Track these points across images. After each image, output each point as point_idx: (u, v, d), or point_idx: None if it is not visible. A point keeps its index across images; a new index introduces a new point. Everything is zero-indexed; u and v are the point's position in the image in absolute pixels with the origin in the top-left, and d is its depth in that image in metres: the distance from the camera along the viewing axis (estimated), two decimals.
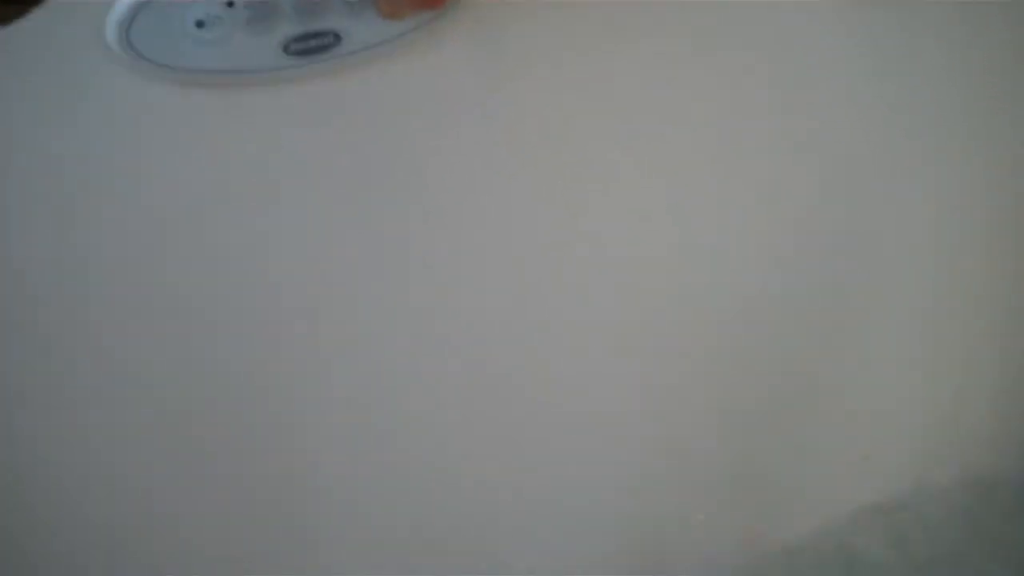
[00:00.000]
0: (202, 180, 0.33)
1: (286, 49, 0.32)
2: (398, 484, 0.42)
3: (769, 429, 0.47)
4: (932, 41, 0.41)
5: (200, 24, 0.31)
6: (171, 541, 0.39)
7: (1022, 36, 0.42)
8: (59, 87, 0.31)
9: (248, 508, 0.40)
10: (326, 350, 0.38)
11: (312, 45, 0.33)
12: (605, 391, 0.43)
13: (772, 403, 0.47)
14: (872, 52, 0.40)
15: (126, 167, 0.32)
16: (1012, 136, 0.44)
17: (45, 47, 0.31)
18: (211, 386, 0.37)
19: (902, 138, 0.42)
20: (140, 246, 0.34)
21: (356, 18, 0.33)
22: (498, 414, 0.42)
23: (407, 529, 0.43)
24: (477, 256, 0.38)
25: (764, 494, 0.49)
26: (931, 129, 0.43)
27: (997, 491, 0.54)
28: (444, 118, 0.35)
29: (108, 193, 0.33)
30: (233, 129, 0.33)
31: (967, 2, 0.40)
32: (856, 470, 0.50)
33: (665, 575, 0.48)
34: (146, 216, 0.34)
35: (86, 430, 0.36)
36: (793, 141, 0.41)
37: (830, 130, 0.41)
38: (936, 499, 0.53)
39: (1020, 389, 0.52)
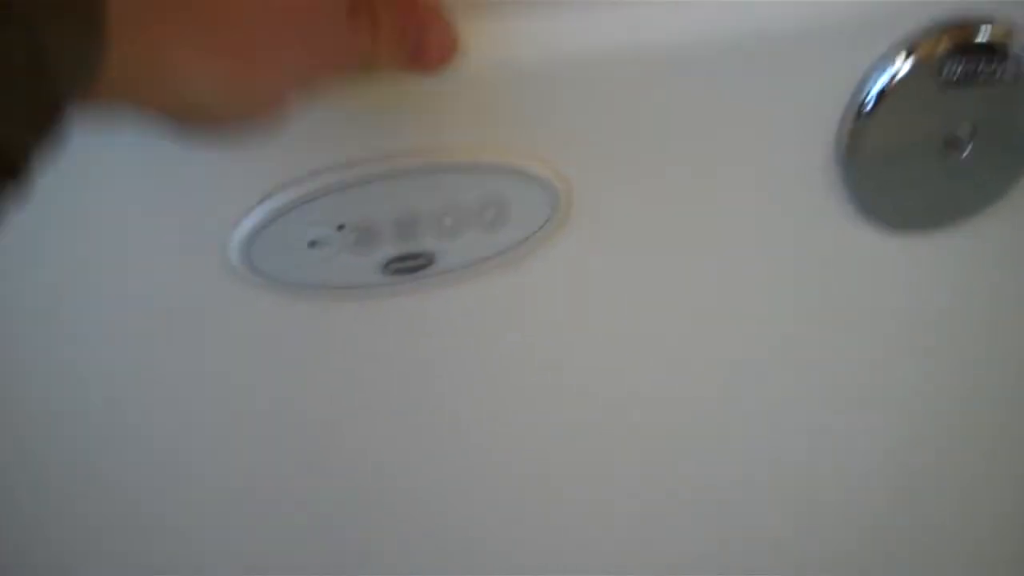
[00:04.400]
0: (300, 382, 0.37)
1: (385, 268, 0.36)
2: None
3: None
4: None
5: (313, 244, 0.35)
6: None
7: None
8: (182, 295, 0.35)
9: None
10: None
11: (408, 265, 0.36)
12: None
13: None
14: None
15: (231, 367, 0.36)
16: None
17: (174, 254, 0.35)
18: None
19: None
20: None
21: (452, 239, 0.36)
22: None
23: None
24: None
25: None
26: None
27: None
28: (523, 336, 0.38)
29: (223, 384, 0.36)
30: (327, 339, 0.36)
31: None
32: None
33: None
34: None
35: None
36: None
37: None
38: None
39: None
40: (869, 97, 0.38)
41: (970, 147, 0.39)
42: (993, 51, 0.38)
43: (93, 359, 0.37)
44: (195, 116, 0.26)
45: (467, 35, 0.31)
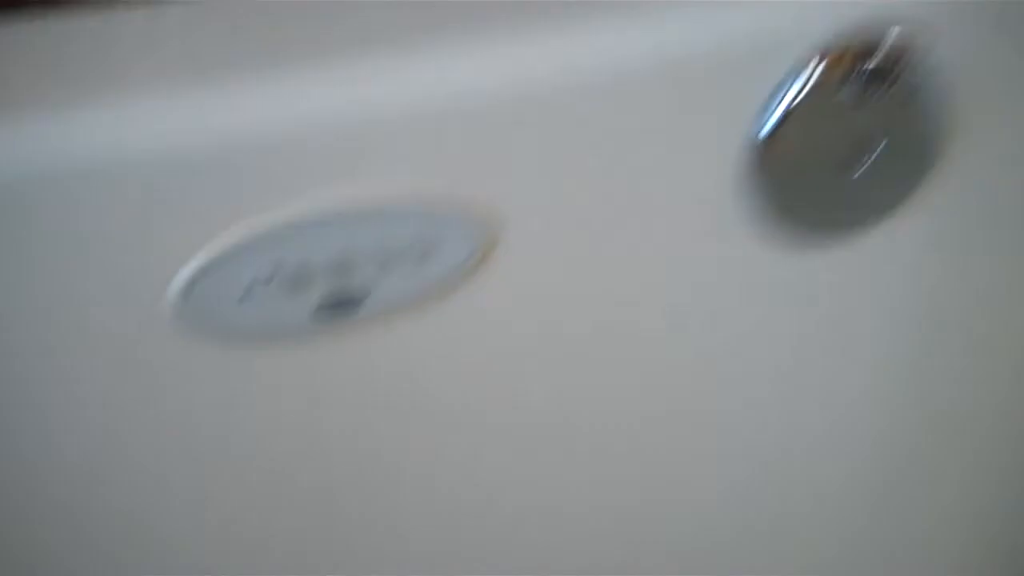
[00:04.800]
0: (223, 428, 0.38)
1: (318, 310, 0.37)
2: None
3: None
4: None
5: (248, 291, 0.36)
6: None
7: None
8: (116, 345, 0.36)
9: None
10: None
11: (343, 305, 0.37)
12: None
13: None
14: None
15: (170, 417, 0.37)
16: None
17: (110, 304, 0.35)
18: None
19: None
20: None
21: (380, 278, 0.37)
22: None
23: None
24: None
25: None
26: None
27: None
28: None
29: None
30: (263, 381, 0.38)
31: None
32: None
33: None
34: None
35: None
36: None
37: None
38: None
39: None
40: (772, 115, 0.40)
41: (870, 159, 0.41)
42: (889, 69, 0.40)
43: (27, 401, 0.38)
44: None
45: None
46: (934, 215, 0.43)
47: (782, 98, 0.39)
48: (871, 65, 0.39)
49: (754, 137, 0.40)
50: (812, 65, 0.39)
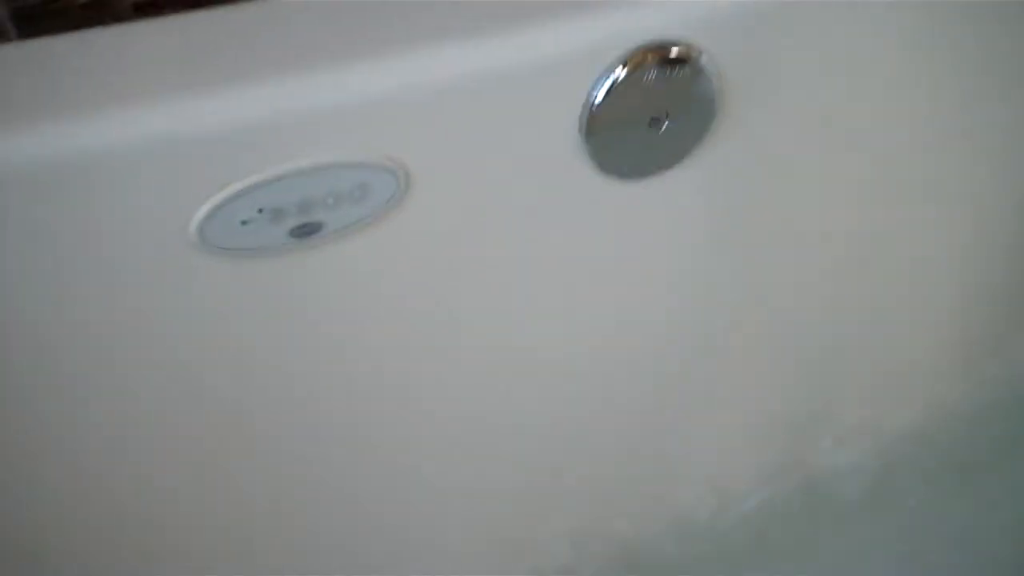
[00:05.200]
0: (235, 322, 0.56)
1: (290, 233, 0.54)
2: None
3: None
4: None
5: (244, 223, 0.53)
6: None
7: None
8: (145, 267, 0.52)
9: None
10: None
11: (306, 231, 0.54)
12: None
13: None
14: None
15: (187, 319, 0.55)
16: None
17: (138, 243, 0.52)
18: None
19: None
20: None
21: (333, 211, 0.55)
22: None
23: None
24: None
25: None
26: None
27: None
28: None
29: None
30: (254, 286, 0.55)
31: None
32: None
33: None
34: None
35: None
36: None
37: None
38: None
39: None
40: (598, 94, 0.58)
41: (666, 124, 0.60)
42: (679, 62, 0.58)
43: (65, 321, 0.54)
44: None
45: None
46: (710, 161, 0.62)
47: (608, 79, 0.57)
48: (668, 59, 0.57)
49: (590, 105, 0.58)
50: (627, 58, 0.57)
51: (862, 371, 0.81)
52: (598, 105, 0.58)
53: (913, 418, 0.87)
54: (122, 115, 0.48)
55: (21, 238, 0.49)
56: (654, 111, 0.59)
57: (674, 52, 0.58)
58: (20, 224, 0.48)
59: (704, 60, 0.58)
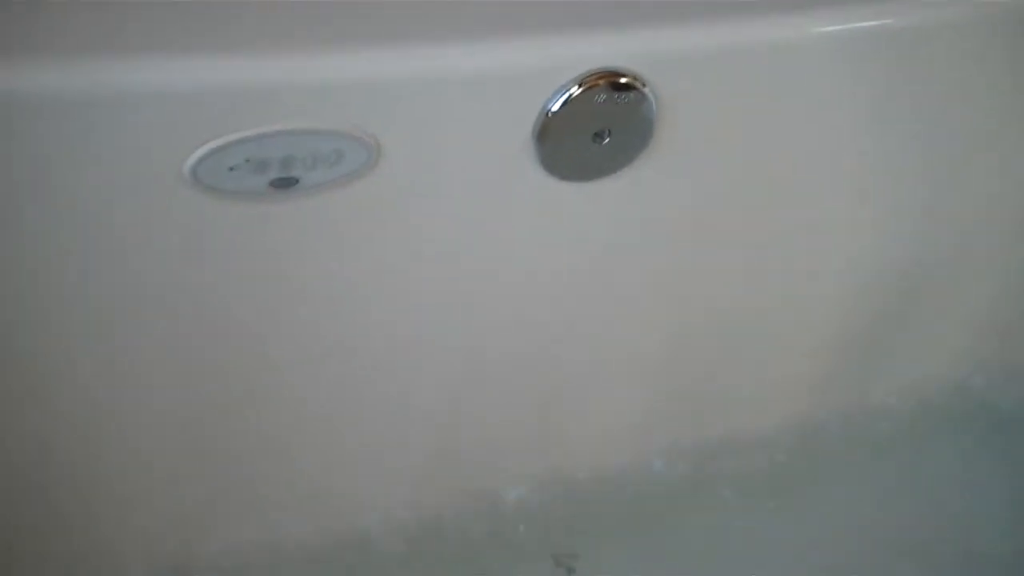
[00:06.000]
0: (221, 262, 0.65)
1: (270, 184, 0.63)
2: None
3: None
4: None
5: (231, 169, 0.61)
6: None
7: None
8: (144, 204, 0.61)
9: None
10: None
11: (284, 183, 0.63)
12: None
13: None
14: None
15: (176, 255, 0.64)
16: None
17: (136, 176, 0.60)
18: None
19: None
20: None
21: (310, 170, 0.63)
22: None
23: None
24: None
25: None
26: None
27: None
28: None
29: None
30: (234, 229, 0.64)
31: None
32: None
33: None
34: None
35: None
36: None
37: None
38: None
39: None
40: (554, 106, 0.66)
41: (608, 138, 0.69)
42: (627, 88, 0.67)
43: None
44: None
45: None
46: (642, 174, 0.72)
47: (564, 94, 0.66)
48: (617, 83, 0.66)
49: (545, 113, 0.67)
50: (583, 79, 0.66)
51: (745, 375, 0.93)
52: (552, 115, 0.67)
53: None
54: (134, 61, 0.57)
55: (22, 164, 0.57)
56: (600, 126, 0.68)
57: (623, 79, 0.67)
58: (22, 151, 0.57)
59: (647, 89, 0.67)
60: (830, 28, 0.70)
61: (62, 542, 0.79)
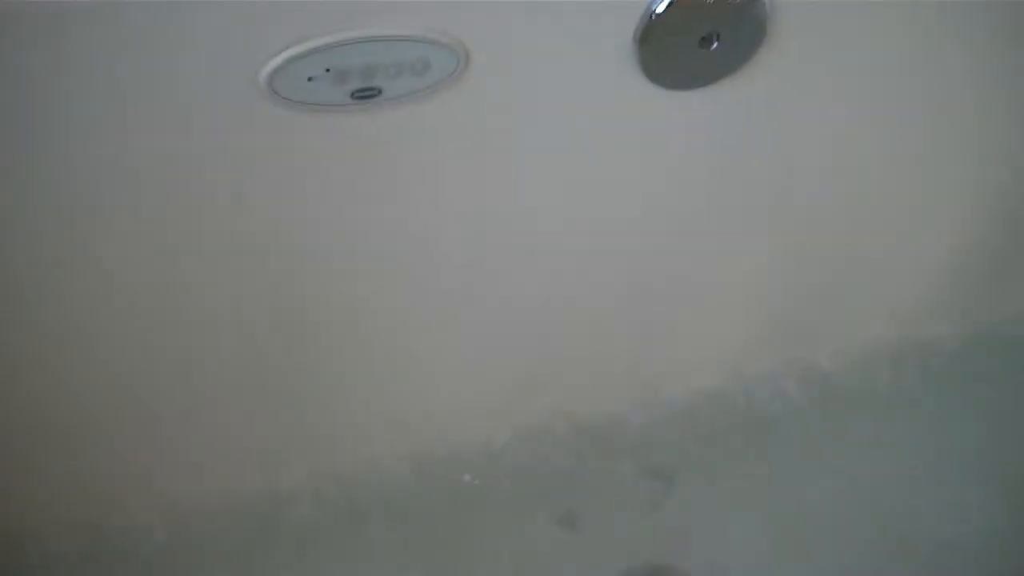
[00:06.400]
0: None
1: (352, 95, 0.59)
2: None
3: None
4: None
5: (310, 79, 0.57)
6: None
7: None
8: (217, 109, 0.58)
9: None
10: None
11: (366, 94, 0.59)
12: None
13: None
14: None
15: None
16: None
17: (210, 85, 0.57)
18: None
19: None
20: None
21: (394, 80, 0.59)
22: None
23: None
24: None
25: None
26: None
27: None
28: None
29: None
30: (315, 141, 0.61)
31: None
32: None
33: None
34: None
35: None
36: None
37: None
38: None
39: None
40: (658, 7, 0.61)
41: (716, 43, 0.63)
42: None
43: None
44: None
45: None
46: (749, 84, 0.66)
47: None
48: None
49: (649, 15, 0.61)
50: None
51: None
52: (657, 16, 0.61)
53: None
54: None
55: (92, 74, 0.54)
56: (707, 29, 0.63)
57: None
58: (91, 59, 0.54)
59: None
60: None
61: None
